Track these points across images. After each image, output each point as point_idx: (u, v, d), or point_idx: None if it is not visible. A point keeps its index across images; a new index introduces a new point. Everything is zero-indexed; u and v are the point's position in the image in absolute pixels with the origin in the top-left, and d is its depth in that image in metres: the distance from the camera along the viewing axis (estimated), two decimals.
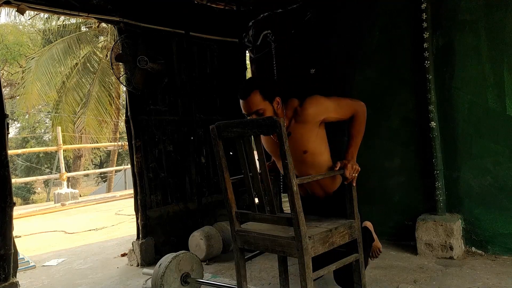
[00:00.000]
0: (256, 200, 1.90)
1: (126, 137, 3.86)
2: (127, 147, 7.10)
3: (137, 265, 3.62)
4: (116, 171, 15.90)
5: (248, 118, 2.02)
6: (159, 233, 3.80)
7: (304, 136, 2.01)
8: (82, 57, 11.33)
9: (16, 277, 2.76)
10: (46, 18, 11.03)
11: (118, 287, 3.19)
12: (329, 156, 2.10)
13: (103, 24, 9.93)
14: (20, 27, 13.45)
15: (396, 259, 3.17)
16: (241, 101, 2.00)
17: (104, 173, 16.28)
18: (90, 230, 5.99)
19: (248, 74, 5.24)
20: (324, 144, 2.08)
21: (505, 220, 3.01)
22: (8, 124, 2.80)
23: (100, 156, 19.80)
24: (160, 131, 3.91)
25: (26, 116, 15.85)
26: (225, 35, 4.47)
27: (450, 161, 3.24)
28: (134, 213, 3.80)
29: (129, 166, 5.29)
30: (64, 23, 10.99)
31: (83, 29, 11.48)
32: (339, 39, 3.91)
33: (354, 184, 1.95)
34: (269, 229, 1.89)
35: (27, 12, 3.25)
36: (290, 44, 4.21)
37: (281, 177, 2.25)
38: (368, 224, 2.48)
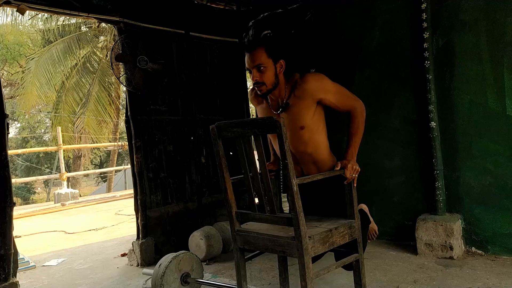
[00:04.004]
0: (256, 200, 1.89)
1: (126, 137, 3.86)
2: (127, 147, 7.10)
3: (137, 265, 3.62)
4: (116, 171, 15.91)
5: (249, 73, 2.02)
6: (159, 233, 3.80)
7: (302, 111, 1.99)
8: (82, 57, 11.32)
9: (16, 277, 2.76)
10: (46, 18, 11.02)
11: (118, 287, 3.19)
12: (326, 137, 2.08)
13: (103, 24, 9.93)
14: (20, 27, 13.44)
15: (396, 259, 3.17)
16: (246, 54, 1.99)
17: (104, 173, 16.29)
18: (90, 230, 5.99)
19: (248, 74, 5.23)
20: (322, 124, 2.05)
21: (505, 220, 3.01)
22: (8, 124, 2.80)
23: (100, 156, 19.81)
24: (160, 131, 3.91)
25: (26, 116, 15.85)
26: (225, 35, 4.48)
27: (450, 161, 3.25)
28: (134, 213, 3.80)
29: (129, 166, 5.29)
30: (64, 23, 10.99)
31: (83, 29, 11.47)
32: (339, 39, 3.91)
33: (355, 185, 1.95)
34: (269, 229, 1.88)
35: (27, 12, 3.25)
36: (290, 44, 4.21)
37: (281, 177, 2.24)
38: (364, 206, 2.47)
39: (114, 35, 4.01)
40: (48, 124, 17.34)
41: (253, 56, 1.96)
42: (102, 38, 11.92)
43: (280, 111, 2.04)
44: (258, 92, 2.03)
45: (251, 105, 6.96)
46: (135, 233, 3.78)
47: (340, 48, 3.89)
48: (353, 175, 1.92)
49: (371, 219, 2.46)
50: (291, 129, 2.00)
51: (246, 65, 2.01)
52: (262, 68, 1.95)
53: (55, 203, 9.75)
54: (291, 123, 1.99)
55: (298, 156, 2.07)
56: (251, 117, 5.72)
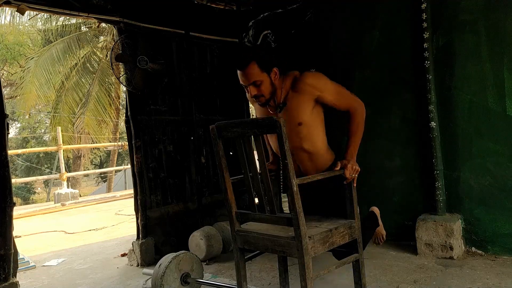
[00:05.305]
0: (256, 200, 1.89)
1: (126, 137, 3.86)
2: (127, 147, 7.10)
3: (137, 265, 3.62)
4: (116, 171, 15.90)
5: (245, 89, 2.04)
6: (159, 233, 3.80)
7: (300, 107, 2.00)
8: (82, 57, 11.32)
9: (16, 277, 2.76)
10: (46, 18, 11.02)
11: (118, 287, 3.19)
12: (324, 134, 2.09)
13: (103, 24, 9.93)
14: (20, 27, 13.44)
15: (396, 259, 3.17)
16: (238, 71, 1.99)
17: (104, 173, 16.29)
18: (90, 230, 5.99)
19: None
20: (320, 122, 2.06)
21: (505, 220, 3.01)
22: (8, 124, 2.80)
23: (100, 156, 19.81)
24: (160, 131, 3.91)
25: (26, 116, 15.85)
26: (225, 35, 4.47)
27: (450, 161, 3.24)
28: (134, 213, 3.80)
29: (129, 166, 5.29)
30: (64, 23, 10.98)
31: (83, 29, 11.47)
32: (339, 39, 3.91)
33: (355, 185, 1.95)
34: (269, 229, 1.88)
35: (27, 12, 3.25)
36: (290, 44, 4.21)
37: (281, 177, 2.24)
38: (375, 209, 2.48)
39: (114, 35, 4.01)
40: (48, 124, 17.34)
41: (247, 74, 1.96)
42: (102, 38, 11.92)
43: (278, 111, 2.06)
44: (258, 103, 2.07)
45: (251, 105, 6.97)
46: (135, 233, 3.78)
47: (340, 48, 3.89)
48: (353, 175, 1.92)
49: (380, 223, 2.46)
50: (289, 126, 2.02)
51: (241, 82, 2.01)
52: (258, 83, 1.96)
53: (55, 203, 9.75)
54: (288, 119, 2.01)
55: (295, 153, 2.07)
56: (251, 117, 5.72)
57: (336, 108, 2.04)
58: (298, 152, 2.07)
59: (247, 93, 2.10)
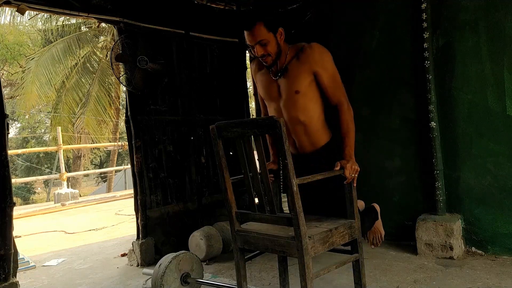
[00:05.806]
0: (256, 200, 1.89)
1: (126, 137, 3.86)
2: (127, 147, 7.10)
3: (137, 265, 3.62)
4: (116, 171, 15.90)
5: (251, 50, 2.07)
6: (159, 233, 3.80)
7: (299, 75, 2.03)
8: (82, 57, 11.32)
9: (16, 277, 2.76)
10: (46, 18, 11.02)
11: (118, 287, 3.19)
12: (321, 109, 2.10)
13: (103, 24, 9.93)
14: (20, 27, 13.44)
15: (396, 259, 3.17)
16: (245, 32, 2.02)
17: (104, 173, 16.29)
18: (90, 230, 5.99)
19: (248, 74, 5.24)
20: (318, 95, 2.07)
21: (505, 220, 3.01)
22: (8, 124, 2.80)
23: (100, 156, 19.81)
24: (160, 131, 3.91)
25: (26, 116, 15.85)
26: (225, 35, 4.47)
27: (450, 161, 3.25)
28: (134, 213, 3.80)
29: (129, 166, 5.29)
30: (64, 23, 10.98)
31: (83, 29, 11.47)
32: (339, 39, 3.91)
33: (355, 185, 1.95)
34: (269, 229, 1.88)
35: (27, 12, 3.25)
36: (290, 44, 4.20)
37: (281, 177, 2.24)
38: (376, 206, 2.48)
39: (114, 35, 4.01)
40: (48, 124, 17.34)
41: (254, 33, 2.00)
42: (102, 38, 11.92)
43: (279, 76, 2.09)
44: (264, 64, 2.08)
45: (251, 105, 6.96)
46: (135, 233, 3.78)
47: (340, 48, 3.89)
48: (353, 175, 1.92)
49: (379, 219, 2.45)
50: (287, 94, 2.06)
51: (247, 42, 2.04)
52: (264, 42, 2.00)
53: (55, 203, 9.74)
54: (287, 87, 2.05)
55: (290, 125, 2.09)
56: (251, 117, 5.72)
57: (326, 95, 2.05)
58: (294, 125, 2.09)
59: (250, 63, 2.11)
